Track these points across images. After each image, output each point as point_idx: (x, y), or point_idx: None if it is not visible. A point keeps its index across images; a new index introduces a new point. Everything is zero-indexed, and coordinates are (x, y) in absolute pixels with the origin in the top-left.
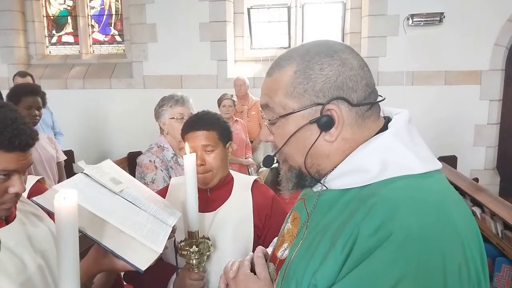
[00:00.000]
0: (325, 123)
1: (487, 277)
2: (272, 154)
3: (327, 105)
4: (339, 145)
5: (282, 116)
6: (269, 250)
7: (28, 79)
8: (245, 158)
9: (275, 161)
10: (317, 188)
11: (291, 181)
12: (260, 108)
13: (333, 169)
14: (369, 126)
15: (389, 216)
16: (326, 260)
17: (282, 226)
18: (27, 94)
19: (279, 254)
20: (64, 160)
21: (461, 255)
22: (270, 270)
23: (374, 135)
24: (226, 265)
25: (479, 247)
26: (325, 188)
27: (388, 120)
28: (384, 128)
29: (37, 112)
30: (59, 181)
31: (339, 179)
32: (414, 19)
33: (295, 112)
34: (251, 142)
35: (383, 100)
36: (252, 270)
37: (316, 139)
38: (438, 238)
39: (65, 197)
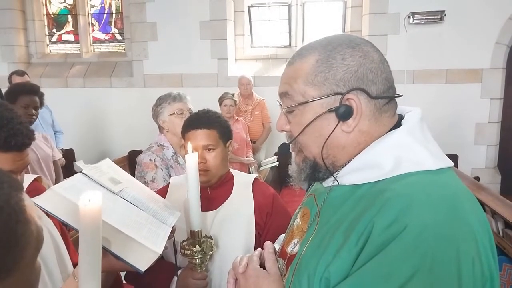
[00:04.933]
0: (344, 113)
1: (497, 270)
2: (287, 142)
3: (346, 94)
4: (355, 136)
5: (301, 104)
6: (276, 246)
7: (26, 78)
8: (246, 157)
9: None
10: (328, 183)
11: (304, 172)
12: (278, 98)
13: (347, 163)
14: (385, 121)
15: (403, 211)
16: (339, 254)
17: (291, 222)
18: (25, 93)
19: (288, 249)
20: (65, 159)
21: (474, 249)
22: (279, 265)
23: (388, 131)
24: (234, 261)
25: (490, 241)
26: (337, 183)
27: (400, 117)
28: (398, 125)
29: (34, 111)
30: (56, 180)
31: (352, 174)
32: (415, 18)
33: (314, 100)
34: (254, 142)
35: (400, 96)
36: (260, 265)
37: (334, 129)
38: (452, 232)
39: (90, 199)
